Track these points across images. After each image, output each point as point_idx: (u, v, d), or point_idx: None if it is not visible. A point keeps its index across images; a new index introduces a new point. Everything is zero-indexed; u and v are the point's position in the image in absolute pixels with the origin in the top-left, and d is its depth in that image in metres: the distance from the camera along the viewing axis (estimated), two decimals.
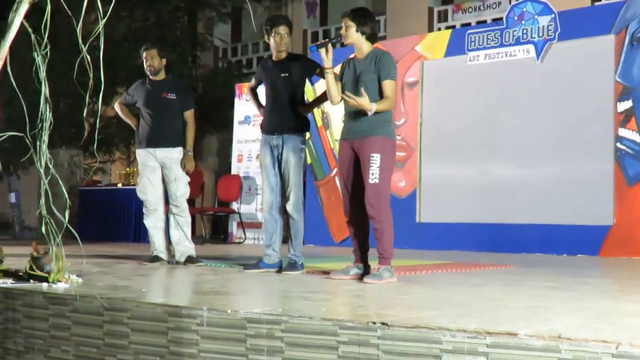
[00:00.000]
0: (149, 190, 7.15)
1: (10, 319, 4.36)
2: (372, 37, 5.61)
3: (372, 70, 5.46)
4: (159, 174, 7.16)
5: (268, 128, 6.29)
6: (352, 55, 5.68)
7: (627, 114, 9.20)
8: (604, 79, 9.46)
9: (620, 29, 9.36)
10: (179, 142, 7.15)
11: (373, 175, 5.35)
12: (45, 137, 3.62)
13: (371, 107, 5.32)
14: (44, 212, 3.46)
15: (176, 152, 7.13)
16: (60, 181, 3.74)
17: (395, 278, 5.36)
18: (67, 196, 3.64)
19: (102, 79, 3.55)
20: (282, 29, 6.25)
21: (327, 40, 5.65)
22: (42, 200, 3.47)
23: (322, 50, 5.57)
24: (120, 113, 7.51)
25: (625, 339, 2.65)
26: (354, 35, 5.54)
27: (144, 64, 7.25)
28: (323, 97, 6.40)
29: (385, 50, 5.64)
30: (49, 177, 3.64)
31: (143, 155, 7.17)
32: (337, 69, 5.68)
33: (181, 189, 7.12)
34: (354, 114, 5.48)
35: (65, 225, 3.69)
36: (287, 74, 6.22)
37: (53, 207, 3.53)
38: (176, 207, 7.11)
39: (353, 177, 5.55)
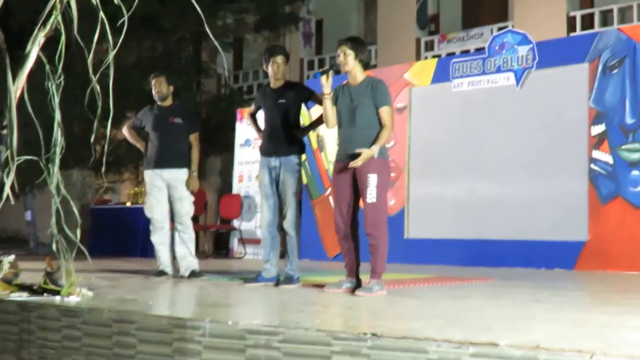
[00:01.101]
0: (155, 209, 7.15)
1: (25, 330, 4.34)
2: (366, 65, 5.63)
3: (369, 97, 5.47)
4: (166, 194, 7.15)
5: (267, 151, 6.30)
6: (345, 82, 5.69)
7: (600, 137, 9.23)
8: (579, 104, 9.49)
9: (593, 58, 9.40)
10: (185, 163, 7.15)
11: (371, 195, 5.35)
12: (57, 160, 3.61)
13: (373, 152, 5.34)
14: (55, 231, 3.45)
15: (182, 173, 7.13)
16: (71, 200, 3.74)
17: (385, 291, 5.36)
18: (77, 215, 3.64)
19: (112, 105, 3.56)
20: (279, 59, 6.28)
21: (329, 67, 5.65)
22: (53, 220, 3.46)
23: (324, 77, 5.55)
24: (128, 136, 7.50)
25: (599, 348, 2.66)
26: (351, 63, 5.54)
27: (153, 90, 7.26)
28: (318, 122, 6.41)
29: (380, 79, 5.65)
30: (60, 197, 3.64)
31: (151, 175, 7.17)
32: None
33: (186, 207, 7.11)
34: (350, 138, 5.49)
35: (76, 242, 3.69)
36: (284, 100, 6.23)
37: (65, 225, 3.53)
38: (181, 224, 7.10)
39: (348, 196, 5.54)
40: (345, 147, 5.54)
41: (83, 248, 3.70)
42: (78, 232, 3.56)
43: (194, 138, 7.23)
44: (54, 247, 3.68)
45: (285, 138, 6.22)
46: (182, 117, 7.24)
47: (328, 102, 5.59)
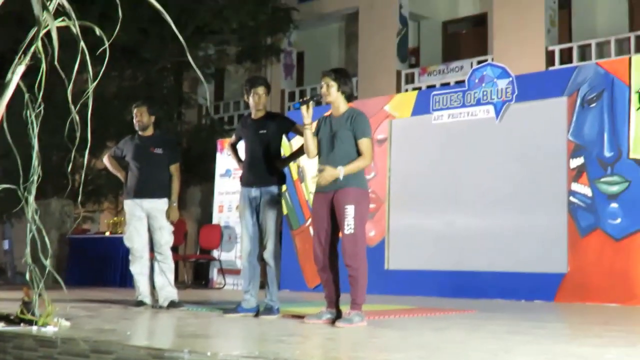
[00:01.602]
0: (135, 239, 7.11)
1: None
2: (349, 97, 5.63)
3: (348, 128, 5.46)
4: (145, 223, 7.12)
5: (247, 181, 6.29)
6: (327, 113, 5.70)
7: (579, 170, 9.30)
8: (558, 137, 9.57)
9: (572, 92, 9.50)
10: (165, 193, 7.13)
11: (349, 225, 5.33)
12: (33, 190, 3.59)
13: (338, 172, 5.34)
14: (29, 260, 3.41)
15: (161, 203, 7.10)
16: (43, 230, 3.72)
17: (366, 322, 5.33)
18: (49, 244, 3.62)
19: (90, 135, 3.54)
20: (260, 90, 6.29)
21: (309, 98, 5.67)
22: (28, 250, 3.43)
23: (304, 107, 5.55)
24: (109, 166, 7.48)
25: None
26: (334, 94, 5.53)
27: (134, 119, 7.25)
28: (298, 152, 6.43)
29: (360, 110, 5.66)
30: (35, 227, 3.62)
31: (130, 205, 7.14)
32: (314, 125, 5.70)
33: (165, 237, 7.08)
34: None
35: (48, 271, 3.66)
36: (265, 131, 6.23)
37: (41, 255, 3.51)
38: (160, 254, 7.06)
39: (327, 227, 5.54)
40: None
41: (58, 277, 3.67)
42: (48, 261, 3.54)
43: (174, 169, 7.22)
44: (27, 276, 3.66)
45: (266, 169, 6.21)
46: (163, 147, 7.23)
47: (308, 132, 5.60)
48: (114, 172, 7.49)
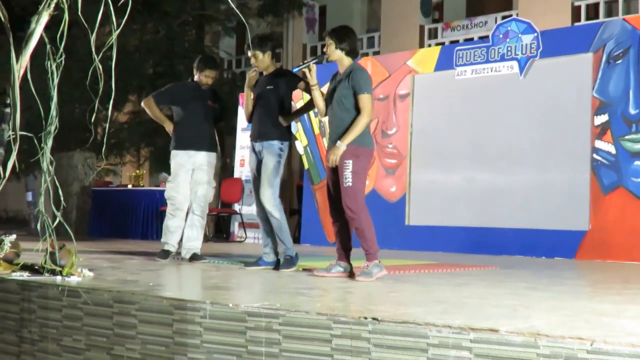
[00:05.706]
0: (181, 189, 7.02)
1: (26, 309, 4.35)
2: (351, 53, 5.65)
3: (346, 86, 5.51)
4: (190, 176, 7.08)
5: (252, 135, 6.36)
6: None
7: (603, 127, 9.21)
8: (582, 94, 9.47)
9: (597, 48, 9.37)
10: (215, 147, 7.14)
11: (347, 179, 5.41)
12: (49, 141, 3.61)
13: (341, 149, 5.40)
14: (42, 210, 3.43)
15: (213, 157, 7.11)
16: (56, 181, 3.75)
17: (385, 271, 5.38)
18: (62, 197, 3.64)
19: (113, 87, 3.54)
20: (255, 52, 6.30)
21: (307, 61, 5.77)
22: (42, 199, 3.46)
23: (306, 70, 5.70)
24: (151, 112, 7.18)
25: (599, 336, 2.66)
26: (334, 53, 5.62)
27: (202, 79, 7.15)
28: (304, 109, 6.55)
29: (362, 66, 5.69)
30: (50, 178, 3.65)
31: (182, 156, 7.03)
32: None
33: (210, 192, 7.10)
34: (330, 124, 5.65)
35: (58, 220, 3.69)
36: (272, 87, 6.28)
37: (52, 205, 3.54)
38: (200, 207, 7.04)
39: (333, 182, 5.62)
40: (330, 134, 5.68)
41: (68, 227, 3.71)
42: (59, 213, 3.57)
43: (223, 126, 7.28)
44: (38, 226, 3.70)
45: (270, 123, 6.23)
46: (218, 102, 7.26)
47: (316, 92, 5.75)
48: (157, 119, 7.24)
